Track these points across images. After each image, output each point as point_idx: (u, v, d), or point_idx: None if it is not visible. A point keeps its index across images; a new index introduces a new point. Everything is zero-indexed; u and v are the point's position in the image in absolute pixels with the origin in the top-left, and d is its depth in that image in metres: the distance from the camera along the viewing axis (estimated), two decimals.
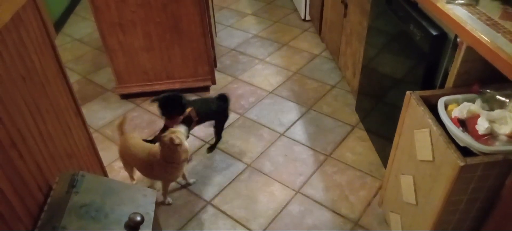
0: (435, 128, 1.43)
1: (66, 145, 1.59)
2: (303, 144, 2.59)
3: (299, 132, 2.70)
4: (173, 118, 2.26)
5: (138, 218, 1.32)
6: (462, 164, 1.27)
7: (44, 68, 1.50)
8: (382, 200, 2.02)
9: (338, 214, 2.10)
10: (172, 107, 2.23)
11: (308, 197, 2.21)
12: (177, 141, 1.85)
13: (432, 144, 1.45)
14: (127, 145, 2.05)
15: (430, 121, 1.47)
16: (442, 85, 1.69)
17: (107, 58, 2.90)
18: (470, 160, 1.29)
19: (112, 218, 1.31)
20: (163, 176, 2.05)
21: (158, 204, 2.08)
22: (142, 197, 1.46)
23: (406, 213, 1.72)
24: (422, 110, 1.52)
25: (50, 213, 1.25)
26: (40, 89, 1.44)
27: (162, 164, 1.96)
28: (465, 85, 1.58)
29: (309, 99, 3.01)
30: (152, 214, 1.40)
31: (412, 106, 1.60)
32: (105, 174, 2.02)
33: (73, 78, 3.35)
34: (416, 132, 1.56)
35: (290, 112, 2.89)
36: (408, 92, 1.63)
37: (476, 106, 1.47)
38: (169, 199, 2.18)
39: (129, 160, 2.10)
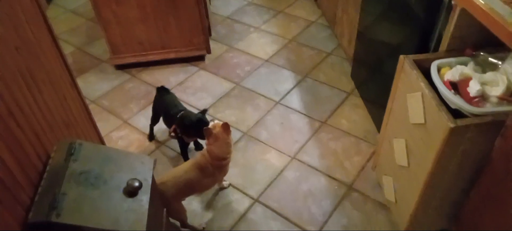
0: (427, 91, 1.45)
1: (63, 115, 1.61)
2: (299, 112, 2.61)
3: (295, 100, 2.72)
4: (192, 137, 2.17)
5: (136, 184, 1.35)
6: (452, 125, 1.30)
7: (38, 39, 1.50)
8: (375, 164, 2.07)
9: (333, 178, 2.15)
10: (196, 131, 2.05)
11: (303, 163, 2.25)
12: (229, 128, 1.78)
13: (424, 107, 1.47)
14: (170, 185, 1.77)
15: (422, 84, 1.48)
16: (436, 50, 1.70)
17: (101, 29, 2.87)
18: (460, 122, 1.31)
19: (111, 184, 1.34)
20: (217, 177, 1.91)
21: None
22: (140, 164, 1.48)
23: (399, 175, 1.76)
24: (415, 74, 1.53)
25: (50, 180, 1.27)
26: (34, 60, 1.44)
27: (215, 166, 1.82)
28: (458, 49, 1.59)
29: (305, 67, 3.01)
30: (150, 180, 1.43)
31: (405, 70, 1.61)
32: (103, 144, 2.05)
33: (68, 49, 3.32)
34: (409, 96, 1.58)
35: (286, 80, 2.90)
36: (401, 56, 1.64)
37: (468, 69, 1.49)
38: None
39: (183, 193, 1.84)
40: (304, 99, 2.71)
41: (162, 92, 2.31)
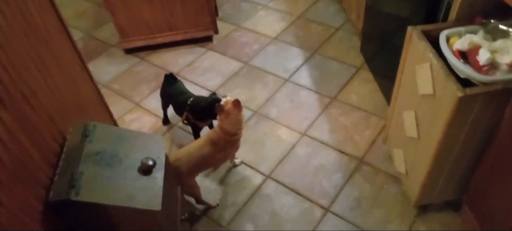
0: (435, 61, 1.44)
1: (75, 98, 1.64)
2: (309, 89, 2.61)
3: (304, 76, 2.71)
4: (206, 120, 2.18)
5: (151, 163, 1.39)
6: (461, 94, 1.29)
7: (46, 24, 1.52)
8: (386, 137, 2.07)
9: (343, 153, 2.17)
10: (210, 113, 2.06)
11: (314, 139, 2.27)
12: (241, 105, 1.82)
13: (433, 78, 1.46)
14: (184, 161, 1.80)
15: (431, 54, 1.47)
16: (445, 19, 1.67)
17: (108, 13, 2.88)
18: (469, 91, 1.31)
19: (126, 163, 1.38)
20: (229, 152, 1.95)
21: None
22: (153, 144, 1.52)
23: (409, 147, 1.77)
24: (423, 45, 1.52)
25: (67, 161, 1.32)
26: (43, 45, 1.46)
27: (226, 141, 1.85)
28: (468, 18, 1.56)
29: (313, 44, 2.99)
30: (163, 158, 1.46)
31: (414, 41, 1.60)
32: (116, 126, 2.09)
33: (76, 35, 3.35)
34: (418, 67, 1.57)
35: (294, 57, 2.89)
36: (409, 28, 1.62)
37: (478, 38, 1.47)
38: None
39: (197, 168, 1.87)
40: (313, 75, 2.71)
41: (169, 80, 2.27)
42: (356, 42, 2.92)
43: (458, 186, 1.69)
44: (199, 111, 2.05)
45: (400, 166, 1.88)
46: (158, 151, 1.49)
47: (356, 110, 2.41)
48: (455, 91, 1.31)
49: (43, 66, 1.42)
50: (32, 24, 1.40)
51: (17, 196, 1.09)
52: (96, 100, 1.91)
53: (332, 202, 1.94)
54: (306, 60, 2.84)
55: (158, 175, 1.40)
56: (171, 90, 2.23)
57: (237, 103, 1.81)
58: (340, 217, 1.87)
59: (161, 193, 1.34)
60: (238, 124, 1.86)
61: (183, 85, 2.28)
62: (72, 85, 1.65)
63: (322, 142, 2.24)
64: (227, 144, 1.86)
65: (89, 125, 1.44)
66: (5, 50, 1.18)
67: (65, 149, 1.36)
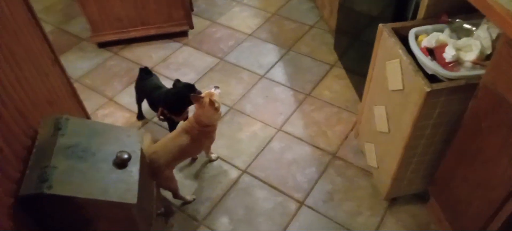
0: (405, 57, 1.50)
1: (46, 92, 1.60)
2: (283, 85, 2.65)
3: (278, 73, 2.75)
4: (182, 113, 2.11)
5: (126, 156, 1.38)
6: (428, 89, 1.36)
7: (15, 17, 1.47)
8: (357, 132, 2.14)
9: (316, 147, 2.22)
10: (181, 104, 2.04)
11: (288, 134, 2.31)
12: (216, 105, 1.81)
13: (402, 73, 1.53)
14: (161, 153, 1.79)
15: (400, 51, 1.53)
16: (413, 18, 1.75)
17: (78, 6, 2.80)
18: (436, 86, 1.37)
19: (99, 157, 1.36)
20: (204, 143, 1.97)
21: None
22: (127, 137, 1.51)
23: (379, 141, 1.83)
24: (393, 42, 1.58)
25: (39, 155, 1.29)
26: (12, 37, 1.42)
27: (201, 132, 1.86)
28: (435, 17, 1.64)
29: (288, 41, 3.03)
30: (139, 152, 1.45)
31: (384, 38, 1.66)
32: (88, 118, 2.05)
33: (46, 29, 3.16)
34: (388, 63, 1.63)
35: (269, 54, 2.92)
36: (380, 25, 1.68)
37: (444, 36, 1.54)
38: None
39: (174, 159, 1.85)
40: (288, 72, 2.75)
41: (144, 74, 2.23)
42: (330, 39, 2.98)
43: (425, 179, 1.77)
44: (172, 102, 2.01)
45: (371, 160, 1.95)
46: (133, 145, 1.47)
47: (328, 106, 2.46)
48: (423, 86, 1.38)
49: (12, 58, 1.37)
50: (1, 17, 1.35)
51: None
52: (69, 95, 1.87)
53: (307, 195, 1.98)
54: (281, 57, 2.88)
55: (134, 168, 1.39)
56: (146, 85, 2.19)
57: (212, 104, 1.81)
58: (313, 209, 1.92)
59: (136, 186, 1.33)
60: (212, 118, 1.86)
61: (158, 79, 2.25)
62: (43, 79, 1.61)
63: (296, 137, 2.29)
64: (200, 134, 1.86)
65: (61, 119, 1.41)
66: None
67: (36, 143, 1.33)
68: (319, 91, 2.58)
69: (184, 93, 1.92)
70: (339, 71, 2.71)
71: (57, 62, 1.76)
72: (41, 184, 1.18)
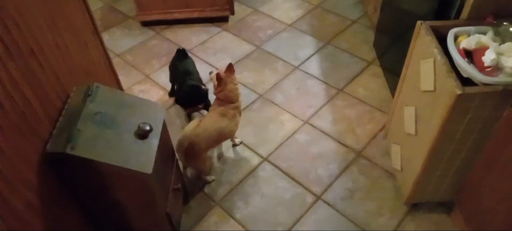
0: (439, 57, 1.43)
1: (84, 62, 1.69)
2: (317, 78, 2.61)
3: (314, 66, 2.71)
4: (195, 106, 2.26)
5: (147, 128, 1.44)
6: (459, 92, 1.28)
7: None
8: (386, 132, 2.07)
9: (343, 144, 2.17)
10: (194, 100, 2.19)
11: (315, 127, 2.28)
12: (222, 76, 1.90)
13: (435, 74, 1.45)
14: (203, 136, 1.83)
15: (435, 50, 1.45)
16: (457, 17, 1.65)
17: None
18: (468, 89, 1.29)
19: (124, 126, 1.43)
20: (238, 119, 2.01)
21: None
22: (153, 112, 1.56)
23: (406, 143, 1.76)
24: (429, 40, 1.50)
25: (68, 118, 1.37)
26: (55, 6, 1.51)
27: (236, 110, 1.95)
28: (479, 18, 1.53)
29: (327, 34, 2.97)
30: (161, 126, 1.51)
31: (421, 36, 1.58)
32: None
33: (96, 5, 3.42)
34: (422, 62, 1.56)
35: (307, 46, 2.88)
36: (418, 22, 1.60)
37: (486, 38, 1.44)
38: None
39: (215, 142, 1.93)
40: (323, 66, 2.70)
41: (180, 55, 2.31)
42: (371, 36, 2.88)
43: (451, 187, 1.68)
44: (179, 98, 2.15)
45: (396, 162, 1.88)
46: (157, 119, 1.53)
47: (361, 104, 2.39)
48: (454, 89, 1.30)
49: (54, 27, 1.47)
50: None
51: (16, 144, 1.14)
52: (106, 67, 1.96)
53: (325, 190, 1.95)
54: (318, 50, 2.83)
55: (154, 141, 1.44)
56: (178, 66, 2.28)
57: (230, 67, 1.90)
58: (330, 205, 1.89)
59: (154, 157, 1.38)
60: (236, 92, 1.95)
61: (192, 64, 2.31)
62: (82, 49, 1.70)
63: (323, 132, 2.25)
64: (235, 112, 1.94)
65: (92, 86, 1.49)
66: (17, 7, 1.23)
67: (66, 106, 1.42)
68: (353, 88, 2.51)
69: (189, 95, 2.11)
70: (377, 69, 2.62)
71: (97, 34, 1.85)
72: (65, 145, 1.26)
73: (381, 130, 2.22)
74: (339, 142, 2.18)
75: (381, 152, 2.10)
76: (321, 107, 2.40)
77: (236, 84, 1.96)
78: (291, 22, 3.13)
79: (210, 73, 2.07)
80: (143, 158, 1.37)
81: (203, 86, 2.16)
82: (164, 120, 1.56)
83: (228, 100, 1.90)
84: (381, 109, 2.35)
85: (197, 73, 2.28)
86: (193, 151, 1.79)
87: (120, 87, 2.09)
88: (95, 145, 1.32)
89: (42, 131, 1.29)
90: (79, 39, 1.68)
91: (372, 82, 2.54)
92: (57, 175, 1.34)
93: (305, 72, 2.66)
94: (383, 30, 2.57)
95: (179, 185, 1.76)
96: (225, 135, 1.97)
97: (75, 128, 1.32)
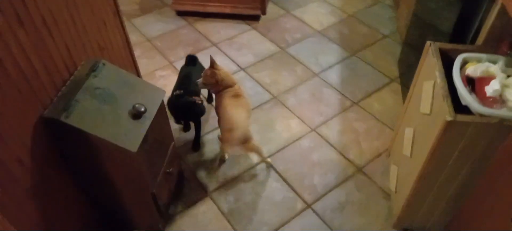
0: (439, 80, 1.37)
1: (100, 38, 1.79)
2: (334, 88, 2.57)
3: (333, 75, 2.67)
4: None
5: (142, 109, 1.50)
6: (449, 118, 1.23)
7: None
8: (390, 152, 2.00)
9: (345, 157, 2.13)
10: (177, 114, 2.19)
11: (321, 136, 2.25)
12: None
13: (433, 97, 1.39)
14: (247, 123, 1.93)
15: (437, 72, 1.40)
16: (473, 42, 1.57)
17: None
18: (460, 117, 1.23)
19: (121, 104, 1.50)
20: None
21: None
22: (153, 95, 1.63)
23: (403, 165, 1.70)
24: (434, 62, 1.44)
25: (70, 88, 1.47)
26: None
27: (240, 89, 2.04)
28: (494, 44, 1.45)
29: (355, 45, 2.92)
30: (156, 109, 1.56)
31: (429, 56, 1.52)
32: (138, 74, 2.22)
33: None
34: (425, 83, 1.50)
35: (331, 54, 2.85)
36: (428, 42, 1.54)
37: (495, 68, 1.37)
38: None
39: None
40: (343, 76, 2.65)
41: (188, 61, 2.31)
42: (399, 53, 2.79)
43: (445, 216, 1.60)
44: (171, 109, 2.09)
45: (392, 182, 1.82)
46: (154, 102, 1.59)
47: (373, 120, 2.33)
48: (445, 114, 1.24)
49: (71, 1, 1.57)
50: None
51: (14, 104, 1.24)
52: (124, 48, 2.06)
53: (317, 199, 1.93)
54: (342, 60, 2.79)
55: (147, 122, 1.50)
56: (182, 71, 2.27)
57: (211, 61, 1.94)
58: (318, 215, 1.86)
59: (142, 137, 1.44)
60: (228, 74, 1.99)
61: (196, 72, 2.20)
62: (98, 26, 1.80)
63: (328, 141, 2.22)
64: (238, 87, 2.01)
65: (99, 62, 1.58)
66: None
67: (72, 78, 1.51)
68: (368, 102, 2.45)
69: (180, 109, 2.08)
70: (397, 87, 2.54)
71: (118, 15, 1.95)
72: (61, 112, 1.35)
73: (388, 149, 2.15)
74: (341, 154, 2.14)
75: (382, 170, 2.04)
76: (332, 118, 2.36)
77: (224, 70, 1.99)
78: (321, 28, 3.11)
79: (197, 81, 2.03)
80: (131, 136, 1.43)
81: (193, 98, 2.06)
82: (161, 104, 1.62)
83: (228, 85, 1.95)
84: (392, 127, 2.27)
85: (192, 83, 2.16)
86: (248, 138, 1.88)
87: (136, 69, 2.19)
88: (89, 117, 1.40)
89: (43, 97, 1.39)
90: (97, 17, 1.78)
91: (390, 99, 2.47)
92: (51, 140, 1.43)
93: (324, 80, 2.64)
94: (408, 48, 2.48)
95: (172, 169, 1.81)
96: (248, 110, 2.02)
97: (73, 99, 1.41)
